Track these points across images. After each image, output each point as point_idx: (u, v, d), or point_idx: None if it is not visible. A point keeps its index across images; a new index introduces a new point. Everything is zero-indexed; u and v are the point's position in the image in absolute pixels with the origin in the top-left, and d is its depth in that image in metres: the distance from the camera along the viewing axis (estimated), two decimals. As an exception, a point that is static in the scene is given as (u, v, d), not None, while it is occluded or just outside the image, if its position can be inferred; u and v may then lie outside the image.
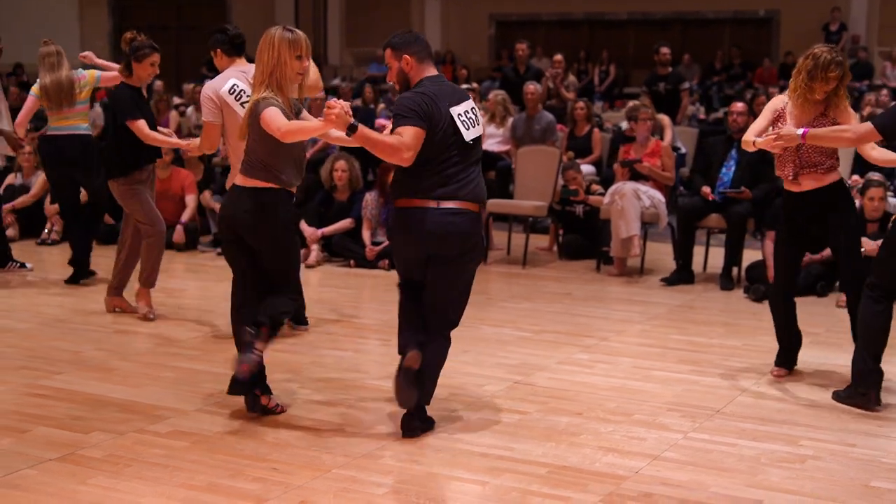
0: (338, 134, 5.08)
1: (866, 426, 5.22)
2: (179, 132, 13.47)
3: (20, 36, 25.56)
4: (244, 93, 6.30)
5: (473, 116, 4.99)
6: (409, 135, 4.78)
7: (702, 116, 16.51)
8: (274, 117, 4.96)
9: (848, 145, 6.02)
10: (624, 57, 21.91)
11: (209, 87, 6.47)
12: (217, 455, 4.75)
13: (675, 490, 4.40)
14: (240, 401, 5.45)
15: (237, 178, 5.26)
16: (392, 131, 4.86)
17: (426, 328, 5.04)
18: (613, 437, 5.02)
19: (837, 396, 5.65)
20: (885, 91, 14.71)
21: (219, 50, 6.58)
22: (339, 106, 4.75)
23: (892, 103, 6.16)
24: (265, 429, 5.09)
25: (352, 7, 24.09)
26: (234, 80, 6.40)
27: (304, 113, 5.39)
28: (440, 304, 5.05)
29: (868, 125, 5.59)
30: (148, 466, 4.61)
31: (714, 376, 6.05)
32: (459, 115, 4.91)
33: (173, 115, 14.02)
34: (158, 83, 18.00)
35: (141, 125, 7.13)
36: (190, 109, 14.00)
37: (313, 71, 6.24)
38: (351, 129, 4.76)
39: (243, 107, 6.16)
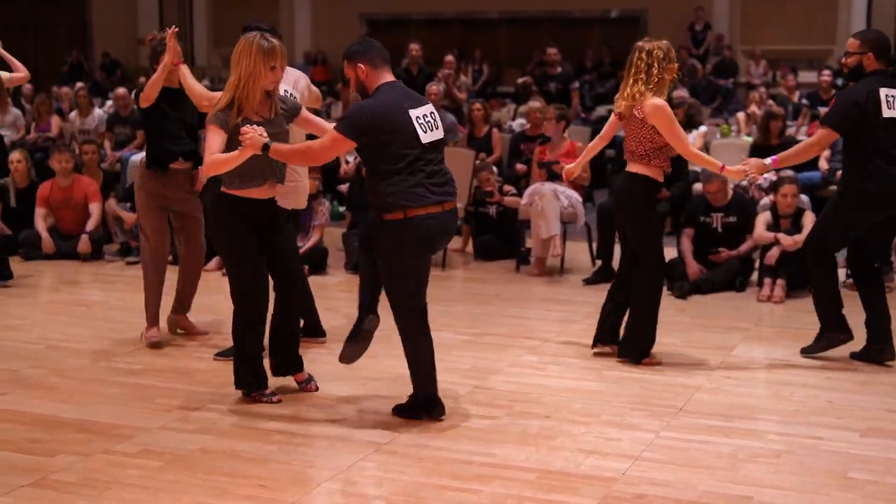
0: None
1: (825, 419, 5.38)
2: (62, 136, 13.04)
3: None
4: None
5: (432, 120, 5.13)
6: (327, 139, 5.10)
7: (582, 115, 16.78)
8: (209, 143, 5.16)
9: (817, 153, 6.69)
10: (496, 56, 22.12)
11: None
12: (196, 473, 4.63)
13: (665, 490, 4.46)
14: (202, 417, 5.35)
15: None
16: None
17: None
18: (588, 439, 5.06)
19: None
20: (762, 89, 15.19)
21: None
22: (252, 131, 5.03)
23: (834, 100, 6.40)
24: (239, 444, 4.98)
25: (219, 6, 23.69)
26: None
27: (307, 114, 5.59)
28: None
29: (824, 130, 5.87)
30: (128, 489, 4.46)
31: (665, 374, 6.14)
32: (418, 118, 5.05)
33: (55, 119, 13.51)
34: (27, 86, 17.46)
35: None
36: (73, 114, 13.52)
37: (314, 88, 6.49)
38: (265, 149, 5.04)
39: None
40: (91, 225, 9.53)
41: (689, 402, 5.64)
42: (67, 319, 7.50)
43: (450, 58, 14.02)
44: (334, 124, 5.20)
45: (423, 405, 5.29)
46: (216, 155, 5.12)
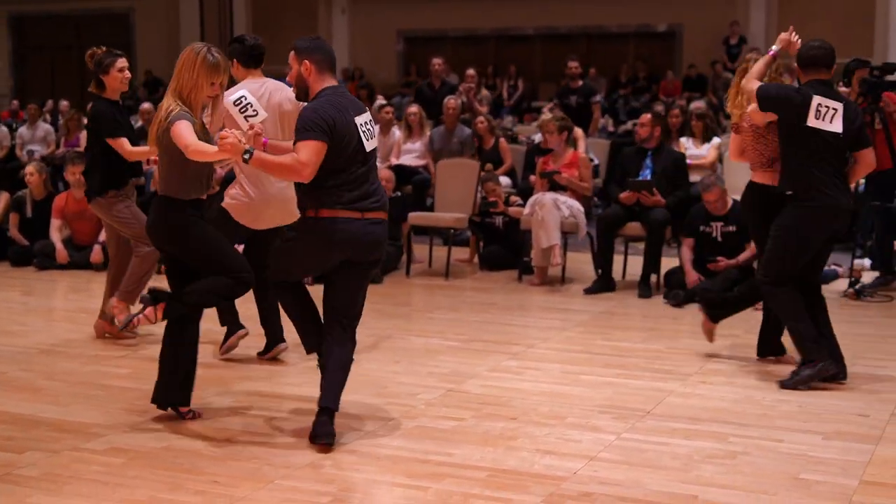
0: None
1: (791, 422, 5.39)
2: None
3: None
4: (251, 106, 6.20)
5: (370, 129, 5.16)
6: (309, 150, 4.87)
7: (611, 129, 16.80)
8: (183, 132, 5.03)
9: None
10: (531, 71, 22.21)
11: None
12: (156, 470, 4.73)
13: (613, 489, 4.50)
14: (174, 417, 5.45)
15: None
16: (294, 144, 4.96)
17: (327, 329, 5.19)
18: (549, 440, 5.11)
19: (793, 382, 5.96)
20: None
21: (235, 60, 6.34)
22: (233, 135, 4.84)
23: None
24: (204, 444, 5.07)
25: (258, 24, 23.99)
26: (243, 92, 6.23)
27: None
28: (351, 303, 5.21)
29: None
30: (87, 483, 4.57)
31: (641, 379, 6.18)
32: (361, 125, 5.05)
33: (84, 134, 13.79)
34: (64, 103, 17.86)
35: (122, 143, 6.90)
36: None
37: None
38: (246, 156, 4.86)
39: (247, 120, 6.09)
40: (104, 236, 9.71)
41: (658, 405, 5.66)
42: (68, 326, 7.68)
43: (471, 71, 14.10)
44: (293, 140, 5.04)
45: None
46: (200, 143, 5.02)
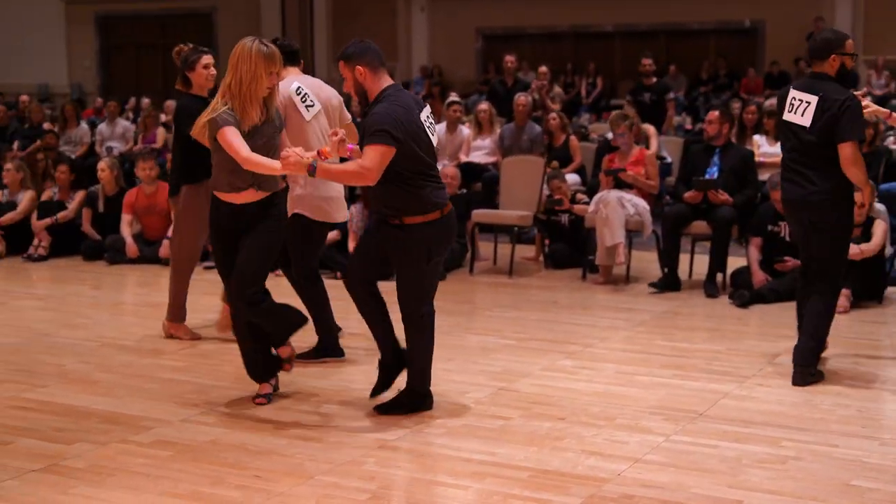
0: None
1: (848, 427, 5.24)
2: (166, 148, 13.48)
3: (7, 56, 25.68)
4: (308, 96, 6.27)
5: (432, 123, 5.27)
6: (374, 156, 4.95)
7: (688, 126, 16.58)
8: (233, 139, 5.13)
9: None
10: (610, 69, 22.02)
11: None
12: (200, 464, 4.76)
13: (655, 491, 4.41)
14: (223, 411, 5.50)
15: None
16: (362, 147, 5.04)
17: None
18: (596, 441, 5.03)
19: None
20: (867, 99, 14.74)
21: None
22: (293, 154, 4.98)
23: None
24: (249, 437, 5.09)
25: (338, 21, 24.15)
26: (298, 83, 6.29)
27: (283, 134, 5.56)
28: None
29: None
30: (130, 476, 4.61)
31: (698, 380, 6.06)
32: (425, 121, 5.16)
33: (160, 131, 14.02)
34: (146, 100, 18.15)
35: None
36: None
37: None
38: (311, 171, 4.98)
39: (308, 109, 6.22)
40: (173, 230, 9.83)
41: (712, 407, 5.55)
42: (131, 320, 7.79)
43: (543, 69, 14.04)
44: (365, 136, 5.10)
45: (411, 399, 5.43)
46: (256, 155, 5.13)
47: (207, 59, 6.94)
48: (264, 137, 5.31)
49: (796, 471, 4.65)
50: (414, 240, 5.20)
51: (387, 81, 5.16)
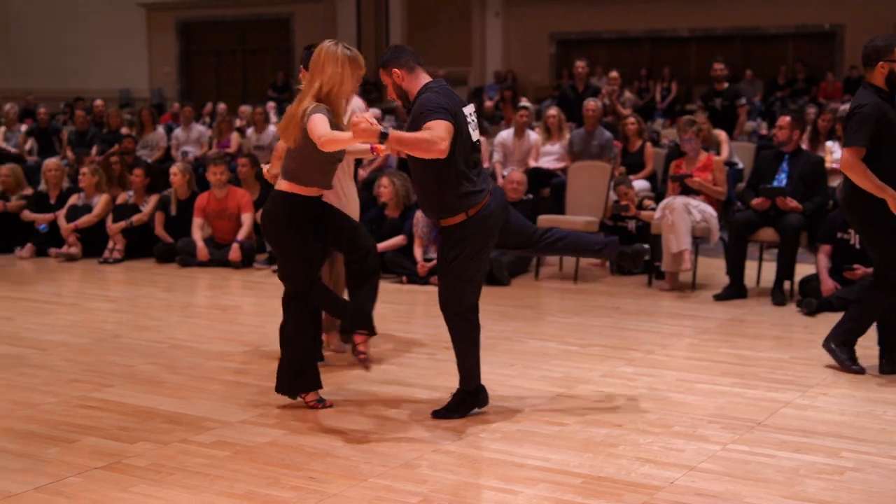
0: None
1: (911, 438, 5.16)
2: (240, 152, 13.67)
3: (90, 62, 26.25)
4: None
5: (474, 119, 5.29)
6: (441, 126, 4.96)
7: (763, 132, 16.39)
8: (318, 123, 5.12)
9: None
10: (685, 73, 21.86)
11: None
12: (257, 464, 4.83)
13: (708, 500, 4.38)
14: (283, 412, 5.57)
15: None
16: (420, 129, 5.02)
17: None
18: (651, 449, 5.01)
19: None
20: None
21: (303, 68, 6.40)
22: (364, 119, 4.91)
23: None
24: (307, 439, 5.16)
25: (413, 27, 24.31)
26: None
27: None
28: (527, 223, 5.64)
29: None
30: (189, 475, 4.70)
31: (758, 389, 6.00)
32: (467, 116, 5.20)
33: (234, 136, 14.23)
34: (221, 106, 18.41)
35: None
36: (250, 130, 14.19)
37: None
38: (382, 137, 4.93)
39: None
40: (242, 234, 10.02)
41: (771, 416, 5.49)
42: (200, 322, 7.92)
43: (614, 73, 13.98)
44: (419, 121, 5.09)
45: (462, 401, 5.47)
46: (333, 131, 5.11)
47: None
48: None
49: (854, 482, 4.59)
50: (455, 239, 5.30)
51: (426, 79, 5.20)
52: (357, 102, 6.58)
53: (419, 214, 9.27)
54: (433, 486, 4.57)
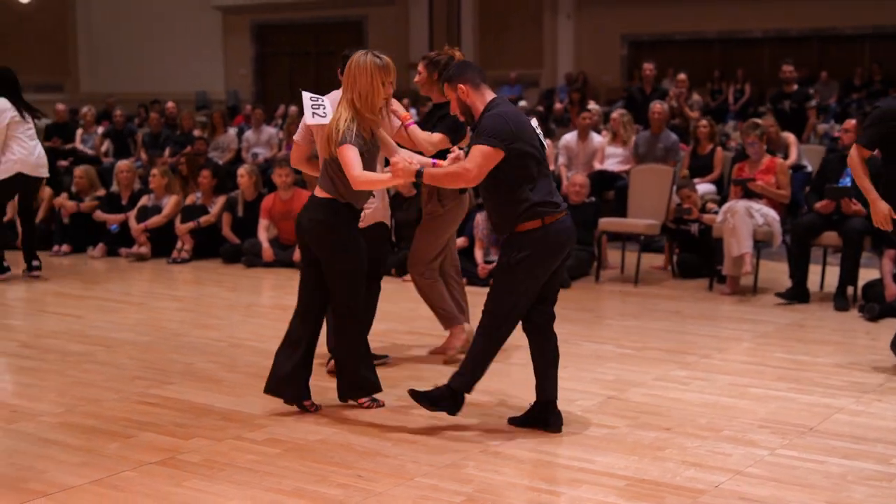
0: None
1: (965, 446, 5.09)
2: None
3: (168, 65, 26.71)
4: (323, 107, 6.28)
5: (541, 131, 5.34)
6: (478, 155, 5.03)
7: (836, 134, 16.16)
8: (351, 160, 5.21)
9: None
10: (759, 75, 21.62)
11: None
12: (307, 462, 4.92)
13: (752, 505, 4.38)
14: (335, 411, 5.66)
15: (315, 189, 5.57)
16: (467, 150, 5.17)
17: (542, 327, 5.40)
18: (699, 452, 5.01)
19: None
20: None
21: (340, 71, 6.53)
22: (402, 159, 5.10)
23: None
24: (357, 438, 5.24)
25: (485, 31, 24.37)
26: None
27: (385, 137, 5.63)
28: (556, 292, 5.47)
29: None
30: (239, 471, 4.80)
31: (813, 394, 5.96)
32: (536, 129, 5.26)
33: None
34: (293, 108, 18.62)
35: None
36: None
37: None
38: (418, 176, 5.11)
39: (314, 117, 6.12)
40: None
41: (824, 422, 5.45)
42: (262, 321, 8.06)
43: (682, 76, 13.90)
44: (472, 142, 5.16)
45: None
46: (367, 173, 5.23)
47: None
48: (376, 145, 5.45)
49: (902, 489, 4.55)
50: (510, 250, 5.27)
51: (490, 96, 5.23)
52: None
53: (480, 217, 9.32)
54: (478, 485, 4.62)
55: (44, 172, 9.75)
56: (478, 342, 5.35)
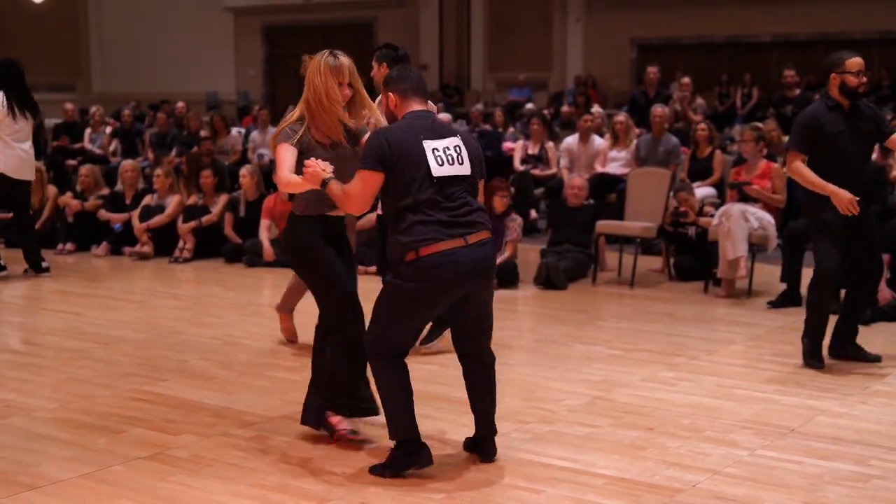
0: None
1: (943, 448, 5.14)
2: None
3: (179, 65, 26.84)
4: None
5: (455, 153, 4.75)
6: (357, 182, 4.70)
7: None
8: (281, 159, 4.97)
9: None
10: (767, 79, 21.61)
11: None
12: (292, 458, 5.00)
13: (726, 504, 4.45)
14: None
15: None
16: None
17: (471, 362, 4.98)
18: (679, 452, 5.07)
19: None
20: None
21: (385, 64, 6.43)
22: (314, 165, 4.75)
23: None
24: (343, 435, 5.31)
25: (494, 33, 24.43)
26: None
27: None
28: (484, 327, 4.94)
29: None
30: (225, 467, 4.88)
31: (797, 396, 6.02)
32: (435, 149, 4.70)
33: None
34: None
35: None
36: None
37: None
38: (323, 185, 4.77)
39: None
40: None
41: (806, 423, 5.51)
42: (257, 320, 8.13)
43: (686, 79, 13.95)
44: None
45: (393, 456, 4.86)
46: (288, 174, 4.94)
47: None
48: (341, 151, 5.14)
49: (878, 490, 4.60)
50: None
51: (410, 109, 4.83)
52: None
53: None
54: (459, 483, 4.69)
55: (28, 175, 9.83)
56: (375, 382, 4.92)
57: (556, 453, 5.05)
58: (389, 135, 4.70)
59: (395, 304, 4.74)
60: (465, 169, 4.77)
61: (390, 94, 4.88)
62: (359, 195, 4.73)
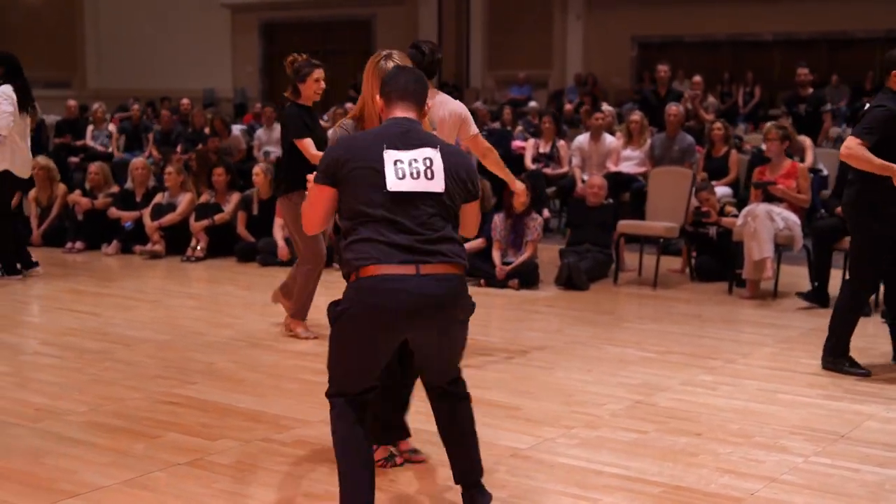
0: None
1: None
2: (321, 153, 13.76)
3: (176, 62, 26.67)
4: None
5: (423, 167, 4.02)
6: (308, 198, 4.21)
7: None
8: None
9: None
10: (769, 78, 21.56)
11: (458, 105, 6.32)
12: (334, 465, 4.86)
13: (790, 513, 4.34)
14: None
15: None
16: None
17: (435, 401, 4.40)
18: (731, 459, 4.97)
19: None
20: None
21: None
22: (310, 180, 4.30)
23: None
24: (384, 441, 5.19)
25: (494, 31, 24.33)
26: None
27: None
28: (449, 367, 4.34)
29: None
30: (270, 474, 4.76)
31: (842, 401, 5.92)
32: (397, 161, 4.01)
33: (315, 136, 14.32)
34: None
35: (307, 144, 7.15)
36: (331, 131, 14.28)
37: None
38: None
39: None
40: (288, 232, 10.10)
41: (855, 429, 5.41)
42: (278, 320, 7.99)
43: (697, 78, 13.87)
44: None
45: None
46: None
47: (319, 73, 7.27)
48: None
49: (940, 498, 4.51)
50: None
51: (395, 115, 4.23)
52: (451, 107, 6.30)
53: (497, 218, 9.28)
54: (512, 491, 4.58)
55: (28, 173, 9.69)
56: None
57: (606, 459, 4.94)
58: (348, 144, 4.16)
59: (334, 332, 4.09)
60: (434, 185, 4.00)
61: (377, 98, 4.38)
62: (305, 210, 4.20)
